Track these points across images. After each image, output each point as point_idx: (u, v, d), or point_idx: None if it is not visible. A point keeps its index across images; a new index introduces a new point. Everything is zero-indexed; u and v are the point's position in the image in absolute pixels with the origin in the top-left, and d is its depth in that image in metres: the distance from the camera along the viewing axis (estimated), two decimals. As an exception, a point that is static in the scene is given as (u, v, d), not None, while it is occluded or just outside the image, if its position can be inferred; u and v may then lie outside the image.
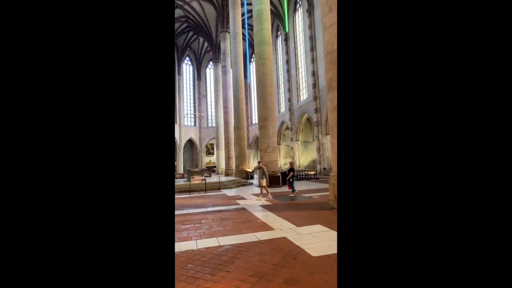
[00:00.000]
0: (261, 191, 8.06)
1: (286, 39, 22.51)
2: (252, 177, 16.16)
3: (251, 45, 28.22)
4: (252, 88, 31.85)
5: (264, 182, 8.14)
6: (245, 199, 7.94)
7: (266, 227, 4.27)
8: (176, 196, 9.33)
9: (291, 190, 8.47)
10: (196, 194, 9.75)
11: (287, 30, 22.12)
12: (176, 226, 4.64)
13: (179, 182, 12.48)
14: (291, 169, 8.74)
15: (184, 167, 29.63)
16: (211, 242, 3.53)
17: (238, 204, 7.05)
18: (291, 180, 8.51)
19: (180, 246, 3.39)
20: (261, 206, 6.49)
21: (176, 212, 6.08)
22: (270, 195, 7.97)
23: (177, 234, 4.07)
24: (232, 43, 17.41)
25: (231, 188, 11.51)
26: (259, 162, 9.87)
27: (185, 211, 6.17)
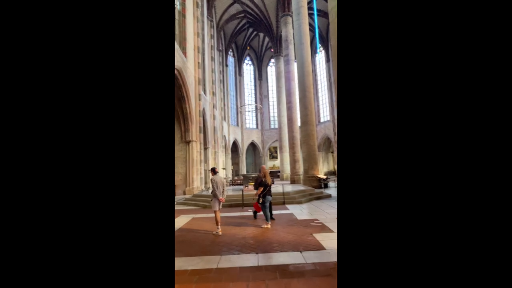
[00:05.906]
0: (216, 219, 4.63)
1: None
2: (326, 186, 12.32)
3: (320, 36, 24.59)
4: (318, 82, 27.77)
5: (216, 205, 4.62)
6: (328, 229, 4.48)
7: None
8: (221, 215, 6.54)
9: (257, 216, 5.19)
10: (250, 212, 6.70)
11: None
12: None
13: (236, 192, 9.85)
14: (259, 181, 4.97)
15: (247, 172, 27.73)
16: None
17: (318, 243, 3.66)
18: (262, 200, 4.90)
19: None
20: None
21: (199, 266, 3.13)
22: (219, 227, 4.54)
23: None
24: (295, 20, 14.18)
25: (300, 202, 8.11)
26: (212, 168, 4.97)
27: (214, 264, 3.14)
